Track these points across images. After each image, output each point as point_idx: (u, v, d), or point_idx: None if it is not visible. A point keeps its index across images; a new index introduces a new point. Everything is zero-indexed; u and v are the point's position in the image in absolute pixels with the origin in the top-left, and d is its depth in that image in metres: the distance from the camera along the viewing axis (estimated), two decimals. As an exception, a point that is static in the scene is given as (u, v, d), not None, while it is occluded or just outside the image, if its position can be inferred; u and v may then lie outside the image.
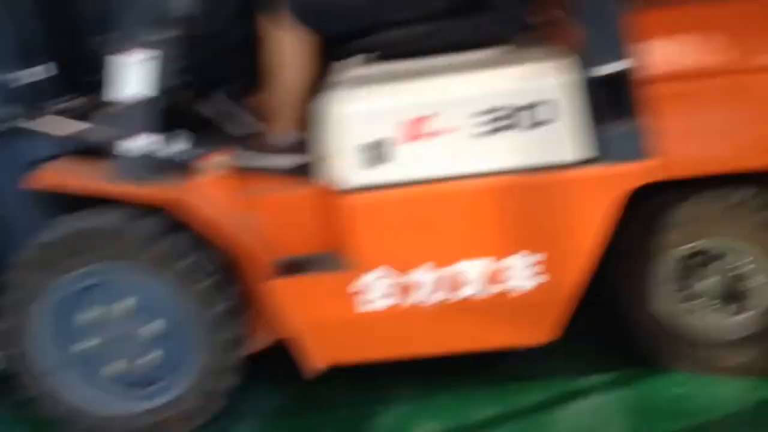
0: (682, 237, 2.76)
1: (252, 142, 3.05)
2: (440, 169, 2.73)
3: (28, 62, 2.98)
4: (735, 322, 2.83)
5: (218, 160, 2.85)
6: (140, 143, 2.78)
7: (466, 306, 2.78)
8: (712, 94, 2.67)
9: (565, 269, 2.73)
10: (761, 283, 2.78)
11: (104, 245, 2.81)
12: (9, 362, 2.94)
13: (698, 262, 2.81)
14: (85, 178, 2.86)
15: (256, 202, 2.89)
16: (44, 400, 2.94)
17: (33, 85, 2.98)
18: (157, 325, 2.86)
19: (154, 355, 2.89)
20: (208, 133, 3.03)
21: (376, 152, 2.72)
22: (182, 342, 2.85)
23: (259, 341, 2.97)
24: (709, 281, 2.82)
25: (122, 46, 2.75)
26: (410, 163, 2.73)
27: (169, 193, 2.79)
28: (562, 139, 2.67)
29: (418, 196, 2.75)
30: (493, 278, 2.76)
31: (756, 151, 2.65)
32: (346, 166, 2.74)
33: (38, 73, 3.00)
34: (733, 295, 2.81)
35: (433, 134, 2.71)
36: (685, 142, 2.65)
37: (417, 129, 2.71)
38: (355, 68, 2.92)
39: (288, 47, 2.89)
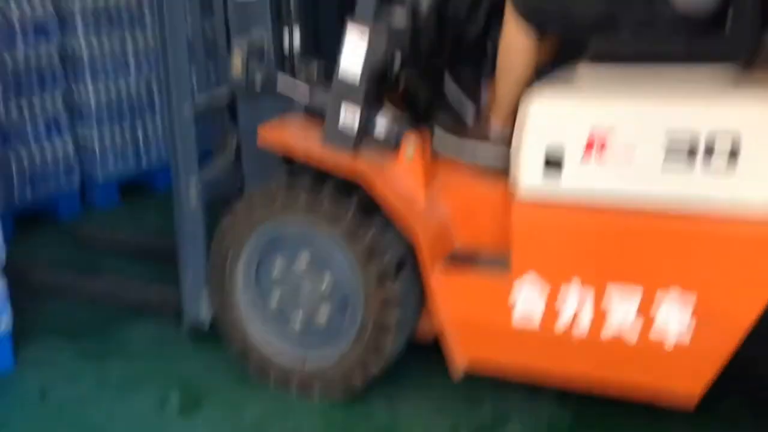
0: None
1: (467, 129, 3.04)
2: (620, 188, 2.54)
3: (281, 25, 3.22)
4: None
5: (412, 146, 2.87)
6: (349, 114, 2.86)
7: (613, 343, 2.62)
8: None
9: (730, 321, 2.46)
10: None
11: (298, 204, 2.91)
12: (215, 310, 3.19)
13: None
14: (298, 140, 2.96)
15: (446, 190, 2.89)
16: (243, 350, 3.15)
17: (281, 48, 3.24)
18: (328, 281, 2.98)
19: (326, 310, 3.00)
20: (429, 114, 3.05)
21: (559, 159, 2.61)
22: (352, 304, 2.94)
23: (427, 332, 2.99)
24: None
25: (353, 19, 2.83)
26: (591, 177, 2.56)
27: (360, 168, 2.84)
28: (754, 177, 2.39)
29: (589, 209, 2.58)
30: (646, 315, 2.56)
31: None
32: (528, 168, 2.64)
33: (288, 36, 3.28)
34: None
35: (620, 151, 2.52)
36: None
37: (605, 143, 2.54)
38: (569, 70, 2.75)
39: (513, 41, 2.85)
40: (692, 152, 2.45)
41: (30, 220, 4.75)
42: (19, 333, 3.41)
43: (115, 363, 3.38)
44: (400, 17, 2.92)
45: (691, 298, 2.50)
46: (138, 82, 5.16)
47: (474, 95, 3.21)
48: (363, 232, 2.86)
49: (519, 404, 3.02)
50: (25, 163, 4.71)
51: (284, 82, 3.10)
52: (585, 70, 2.72)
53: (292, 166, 3.10)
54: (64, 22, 4.81)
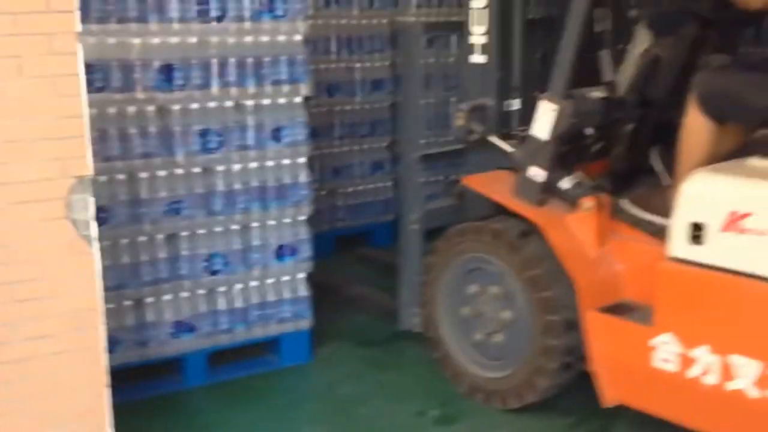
0: None
1: (650, 200, 3.52)
2: (747, 264, 2.87)
3: (505, 92, 3.88)
4: None
5: (589, 204, 3.42)
6: (536, 173, 3.48)
7: (736, 399, 2.92)
8: None
9: None
10: None
11: (488, 241, 3.59)
12: (423, 324, 3.94)
13: None
14: (497, 188, 3.68)
15: (620, 249, 3.41)
16: (442, 359, 3.83)
17: (508, 113, 3.90)
18: (507, 314, 3.58)
19: (501, 334, 3.61)
20: (627, 183, 3.65)
21: (700, 232, 2.99)
22: (521, 331, 3.52)
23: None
24: None
25: (546, 92, 3.45)
26: (724, 250, 2.92)
27: (541, 218, 3.46)
28: None
29: (720, 282, 2.94)
30: (762, 383, 2.84)
31: None
32: (677, 236, 3.06)
33: (514, 104, 3.90)
34: None
35: (751, 231, 2.86)
36: None
37: (738, 222, 2.89)
38: (744, 159, 3.14)
39: (694, 127, 3.27)
40: None
41: (348, 243, 5.59)
42: (319, 334, 4.18)
43: (391, 372, 4.04)
44: (590, 99, 3.45)
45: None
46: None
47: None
48: (532, 266, 3.39)
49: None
50: (351, 195, 5.58)
51: (495, 142, 3.70)
52: (753, 162, 3.06)
53: (498, 208, 3.67)
54: (397, 79, 5.62)
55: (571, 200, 3.44)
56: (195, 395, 3.78)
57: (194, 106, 3.69)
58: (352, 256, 5.49)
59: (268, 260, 3.93)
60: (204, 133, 3.72)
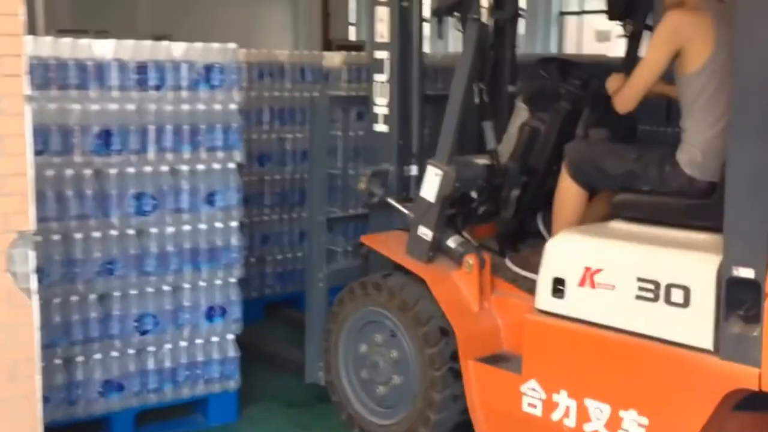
0: None
1: (527, 257, 3.85)
2: (598, 316, 3.22)
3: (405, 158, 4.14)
4: None
5: (471, 262, 3.67)
6: (424, 232, 3.76)
7: None
8: None
9: None
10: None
11: (379, 296, 3.81)
12: (328, 384, 4.09)
13: None
14: (393, 247, 3.91)
15: (499, 304, 3.69)
16: (339, 403, 3.99)
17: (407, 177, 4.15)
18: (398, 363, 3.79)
19: (394, 383, 3.82)
20: (511, 245, 4.01)
21: (562, 286, 3.33)
22: (409, 382, 3.72)
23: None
24: None
25: (431, 161, 3.78)
26: (580, 303, 3.28)
27: (428, 274, 3.70)
28: (700, 324, 2.97)
29: (575, 332, 3.28)
30: (611, 425, 3.16)
31: None
32: (542, 290, 3.41)
33: (412, 170, 4.13)
34: None
35: (601, 285, 3.22)
36: None
37: (591, 277, 3.26)
38: (608, 222, 3.53)
39: (565, 192, 3.70)
40: (656, 297, 3.06)
41: (277, 308, 5.71)
42: (246, 395, 4.28)
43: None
44: (473, 165, 3.80)
45: (642, 416, 3.09)
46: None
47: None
48: (421, 324, 3.63)
49: None
50: (280, 262, 5.72)
51: (392, 203, 4.00)
52: (614, 224, 3.45)
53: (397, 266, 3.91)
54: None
55: (456, 258, 3.72)
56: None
57: (130, 170, 3.83)
58: (281, 320, 5.61)
59: (198, 321, 4.05)
60: (139, 196, 3.86)
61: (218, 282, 4.09)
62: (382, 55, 4.08)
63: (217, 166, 4.03)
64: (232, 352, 4.15)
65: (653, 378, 3.08)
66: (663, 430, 3.06)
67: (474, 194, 3.94)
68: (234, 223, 4.10)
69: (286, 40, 15.91)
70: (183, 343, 4.03)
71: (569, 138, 3.85)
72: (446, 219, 3.80)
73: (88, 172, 3.75)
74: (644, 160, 3.45)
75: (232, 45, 4.05)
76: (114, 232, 3.83)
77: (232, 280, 4.13)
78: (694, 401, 2.97)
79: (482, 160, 3.91)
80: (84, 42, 3.73)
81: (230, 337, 4.15)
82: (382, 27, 4.06)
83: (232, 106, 4.04)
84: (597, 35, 12.23)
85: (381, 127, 4.11)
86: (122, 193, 3.82)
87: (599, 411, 3.20)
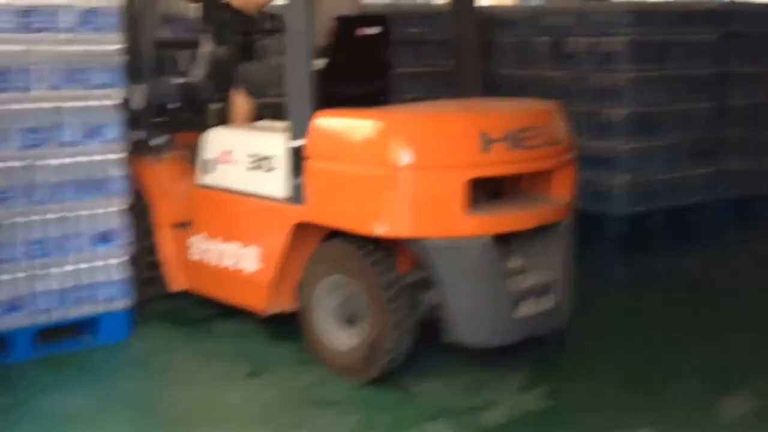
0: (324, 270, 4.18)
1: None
2: (229, 183, 4.61)
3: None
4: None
5: (169, 155, 5.02)
6: (136, 135, 4.86)
7: (229, 273, 4.61)
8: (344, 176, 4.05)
9: (268, 263, 4.39)
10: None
11: None
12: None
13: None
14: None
15: (184, 183, 4.94)
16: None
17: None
18: None
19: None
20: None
21: (210, 164, 4.72)
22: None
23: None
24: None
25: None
26: (219, 176, 4.67)
27: (136, 167, 4.83)
28: (279, 181, 4.31)
29: (217, 197, 4.70)
30: (236, 257, 4.56)
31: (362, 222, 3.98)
32: (199, 169, 4.81)
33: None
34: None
35: (231, 162, 4.62)
36: (323, 200, 4.12)
37: (226, 156, 4.66)
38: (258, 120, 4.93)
39: (234, 100, 4.97)
40: (258, 167, 4.46)
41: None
42: (140, 315, 4.69)
43: (207, 343, 4.61)
44: (166, 83, 5.16)
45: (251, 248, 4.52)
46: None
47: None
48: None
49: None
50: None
51: None
52: (261, 123, 4.94)
53: None
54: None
55: (157, 153, 4.96)
56: (21, 367, 4.20)
57: (15, 106, 4.17)
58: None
59: (82, 246, 4.42)
60: (25, 131, 4.19)
61: (100, 210, 4.47)
62: None
63: (96, 103, 4.40)
64: (118, 275, 4.55)
65: (260, 221, 4.49)
66: (267, 255, 4.41)
67: (170, 106, 5.09)
68: (115, 156, 4.48)
69: None
70: (69, 268, 4.39)
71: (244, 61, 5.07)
72: (153, 125, 4.95)
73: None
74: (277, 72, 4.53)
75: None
76: (2, 165, 4.14)
77: (114, 209, 4.52)
78: (279, 233, 4.33)
79: (176, 80, 5.15)
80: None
81: (114, 261, 4.53)
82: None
83: (111, 47, 4.42)
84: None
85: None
86: (9, 128, 4.15)
87: (232, 249, 4.59)
